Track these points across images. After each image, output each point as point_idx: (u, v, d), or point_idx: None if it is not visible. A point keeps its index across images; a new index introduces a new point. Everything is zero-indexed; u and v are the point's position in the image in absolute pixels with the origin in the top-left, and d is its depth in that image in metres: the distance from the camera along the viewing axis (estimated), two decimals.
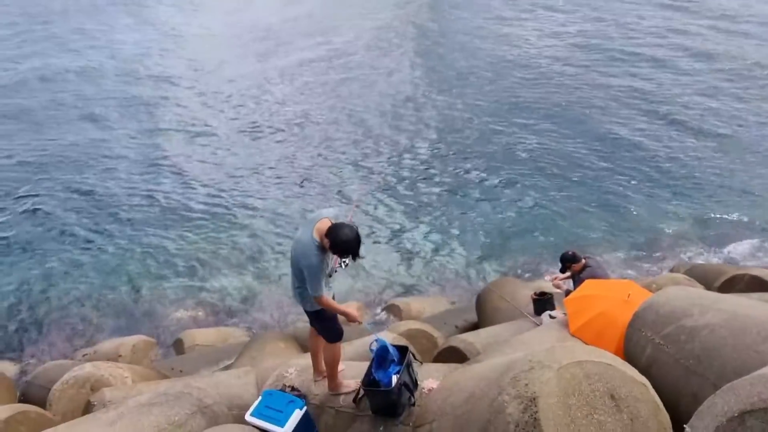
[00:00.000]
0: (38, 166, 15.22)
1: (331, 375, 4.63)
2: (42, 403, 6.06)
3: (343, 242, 3.95)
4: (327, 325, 4.42)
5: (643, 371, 3.83)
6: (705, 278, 8.44)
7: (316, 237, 4.03)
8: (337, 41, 24.83)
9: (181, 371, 7.48)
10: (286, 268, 10.72)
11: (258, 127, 17.32)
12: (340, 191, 13.68)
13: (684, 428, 2.78)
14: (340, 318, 4.41)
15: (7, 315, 10.24)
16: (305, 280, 4.09)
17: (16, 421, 4.99)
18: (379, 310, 9.97)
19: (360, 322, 4.44)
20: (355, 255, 4.07)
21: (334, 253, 4.06)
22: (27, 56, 24.31)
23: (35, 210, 13.20)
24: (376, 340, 4.33)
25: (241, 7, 30.82)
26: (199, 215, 12.93)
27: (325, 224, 4.06)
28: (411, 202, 13.28)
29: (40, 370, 7.72)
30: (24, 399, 6.89)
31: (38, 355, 9.38)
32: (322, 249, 4.04)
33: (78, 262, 11.54)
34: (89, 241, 12.13)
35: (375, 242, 11.88)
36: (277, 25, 27.53)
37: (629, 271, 10.88)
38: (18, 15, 30.65)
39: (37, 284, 10.98)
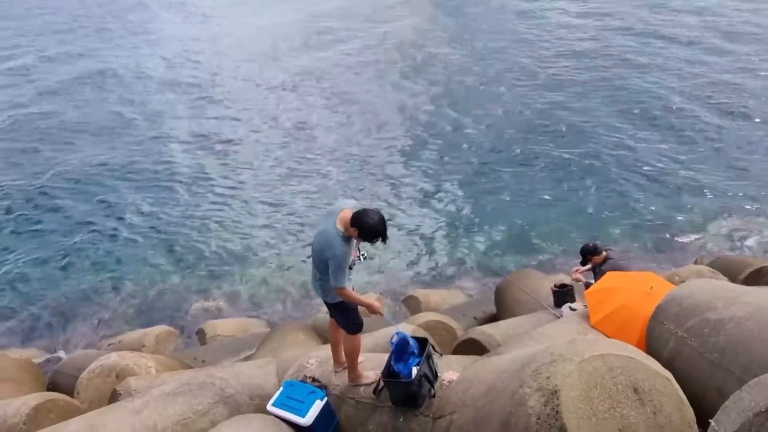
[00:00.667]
0: (62, 152, 15.49)
1: (352, 366, 4.66)
2: (70, 391, 6.21)
3: (370, 227, 3.96)
4: (348, 317, 4.44)
5: (666, 364, 3.78)
6: (729, 270, 8.29)
7: (340, 227, 4.04)
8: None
9: (203, 361, 7.60)
10: (307, 260, 10.93)
11: (287, 121, 17.40)
12: (358, 179, 13.71)
13: (709, 423, 2.75)
14: (361, 309, 4.43)
15: (36, 304, 10.50)
16: (327, 271, 4.10)
17: (45, 408, 5.12)
18: (397, 302, 10.01)
19: (381, 314, 4.44)
20: (384, 238, 4.07)
21: (363, 239, 4.05)
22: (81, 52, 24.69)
23: (62, 200, 13.46)
24: (396, 333, 4.34)
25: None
26: (223, 207, 13.08)
27: (347, 214, 4.07)
28: (429, 192, 13.26)
29: (67, 359, 7.91)
30: (52, 387, 7.07)
31: (66, 343, 9.62)
32: (346, 239, 4.05)
33: (103, 252, 11.79)
34: (115, 231, 12.36)
35: (392, 233, 11.88)
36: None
37: (651, 264, 10.74)
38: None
39: (63, 274, 11.24)
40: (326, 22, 26.91)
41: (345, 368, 4.78)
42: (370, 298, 5.68)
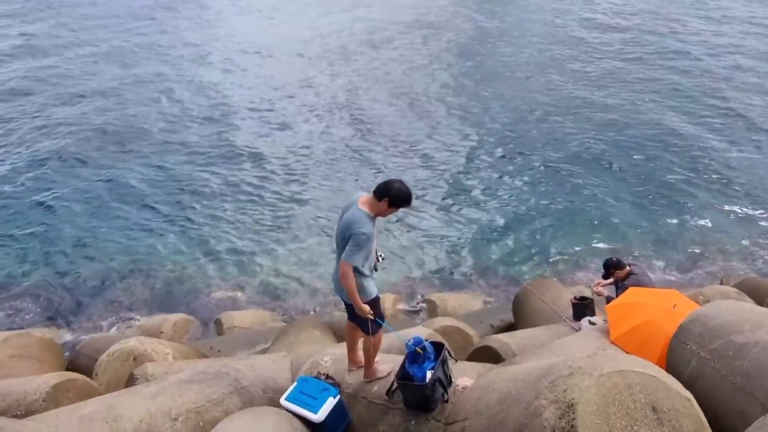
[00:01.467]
0: (91, 147, 15.78)
1: (368, 363, 4.68)
2: (88, 372, 6.32)
3: (398, 190, 4.12)
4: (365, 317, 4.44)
5: (686, 385, 3.70)
6: (757, 292, 8.10)
7: (364, 208, 4.15)
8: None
9: (219, 351, 7.69)
10: (326, 256, 10.99)
11: (310, 114, 17.53)
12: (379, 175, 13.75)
13: None
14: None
15: (61, 284, 10.72)
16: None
17: (64, 387, 5.22)
18: (415, 304, 9.99)
19: (371, 318, 4.31)
20: (410, 201, 4.23)
21: (394, 205, 4.16)
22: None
23: (86, 187, 13.72)
24: (413, 337, 4.34)
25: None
26: (246, 199, 13.19)
27: (366, 198, 4.22)
28: (450, 195, 13.21)
29: (88, 340, 8.06)
30: (71, 367, 7.21)
31: (87, 324, 9.80)
32: (371, 219, 4.17)
33: (127, 238, 11.97)
34: (137, 219, 12.55)
35: (412, 236, 11.88)
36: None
37: (674, 281, 10.53)
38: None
39: (88, 257, 11.42)
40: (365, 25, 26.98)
41: (359, 367, 4.79)
42: (383, 300, 5.63)
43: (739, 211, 12.34)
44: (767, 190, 12.85)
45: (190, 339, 8.96)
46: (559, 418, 3.00)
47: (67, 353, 8.07)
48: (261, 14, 29.46)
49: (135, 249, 11.65)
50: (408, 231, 11.95)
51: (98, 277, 10.88)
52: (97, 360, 6.43)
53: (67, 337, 9.31)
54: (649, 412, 3.01)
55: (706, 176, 13.49)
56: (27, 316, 9.86)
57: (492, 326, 8.29)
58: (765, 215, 12.20)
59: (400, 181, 4.21)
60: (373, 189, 4.21)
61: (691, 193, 12.90)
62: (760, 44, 21.31)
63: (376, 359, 4.73)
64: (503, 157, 14.80)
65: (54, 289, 10.55)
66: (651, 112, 16.70)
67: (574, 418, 2.94)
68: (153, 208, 12.95)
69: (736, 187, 13.02)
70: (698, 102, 16.86)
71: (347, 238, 4.09)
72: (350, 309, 4.45)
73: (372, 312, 4.31)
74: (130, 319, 9.85)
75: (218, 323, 9.14)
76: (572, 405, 2.99)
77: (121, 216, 12.63)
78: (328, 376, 4.84)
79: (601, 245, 11.46)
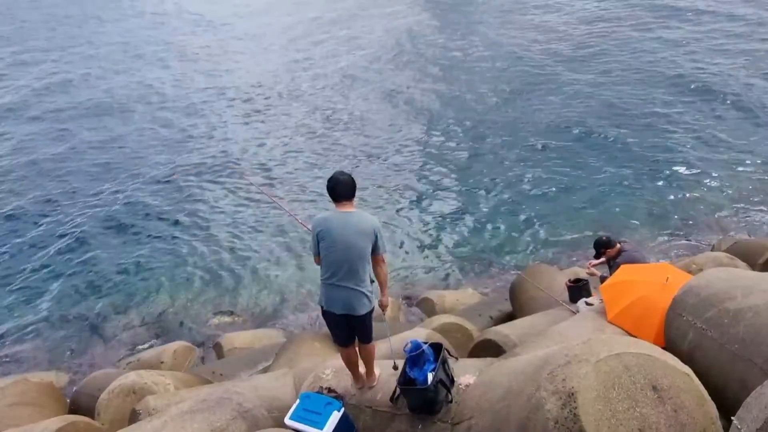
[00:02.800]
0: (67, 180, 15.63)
1: (371, 369, 4.69)
2: (91, 412, 6.25)
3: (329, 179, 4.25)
4: (371, 324, 4.45)
5: (686, 358, 3.72)
6: (748, 255, 8.13)
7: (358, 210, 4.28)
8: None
9: (221, 375, 7.62)
10: (318, 271, 10.84)
11: (306, 133, 17.50)
12: (371, 178, 13.73)
13: (731, 420, 2.68)
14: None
15: (57, 325, 10.59)
16: (367, 257, 4.18)
17: None
18: (412, 303, 9.96)
19: (384, 309, 4.50)
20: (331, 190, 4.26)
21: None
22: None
23: (75, 219, 13.58)
24: (410, 341, 4.32)
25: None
26: (235, 220, 13.10)
27: (348, 204, 4.28)
28: (434, 189, 13.20)
29: (88, 379, 7.96)
30: (74, 408, 7.12)
31: (86, 364, 9.69)
32: None
33: (118, 270, 11.85)
34: (127, 250, 12.44)
35: (401, 234, 11.85)
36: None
37: (668, 251, 10.59)
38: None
39: (82, 294, 11.31)
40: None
41: (368, 385, 4.76)
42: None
43: (723, 173, 12.44)
44: (750, 154, 12.97)
45: (191, 366, 8.89)
46: (561, 408, 2.99)
47: (68, 395, 7.97)
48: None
49: (128, 280, 11.54)
50: (394, 231, 11.92)
51: (93, 313, 10.78)
52: (98, 398, 6.36)
53: (67, 378, 9.20)
54: (649, 392, 3.01)
55: (685, 148, 13.60)
56: (22, 362, 9.73)
57: (491, 318, 8.28)
58: (748, 175, 12.30)
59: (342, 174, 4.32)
60: (343, 194, 4.25)
61: (674, 165, 13.01)
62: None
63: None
64: (482, 146, 14.83)
65: (48, 329, 10.45)
66: (631, 91, 16.84)
67: (576, 407, 2.93)
68: (142, 234, 12.84)
69: (720, 156, 13.13)
70: (678, 81, 17.04)
71: (368, 235, 4.16)
72: (359, 321, 4.35)
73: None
74: (129, 352, 9.75)
75: (218, 347, 9.07)
76: (572, 394, 2.98)
77: (111, 248, 12.50)
78: (330, 390, 4.80)
79: (591, 225, 11.50)
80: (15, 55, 26.59)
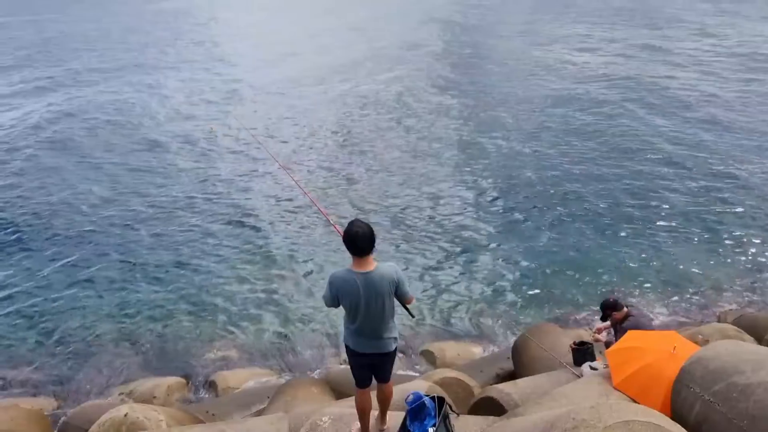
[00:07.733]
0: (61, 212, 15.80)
1: (385, 410, 4.64)
2: None
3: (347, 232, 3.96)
4: (392, 363, 4.44)
5: (693, 429, 3.66)
6: (755, 328, 8.07)
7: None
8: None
9: (213, 415, 7.47)
10: (323, 310, 10.85)
11: (309, 161, 17.86)
12: (380, 222, 13.76)
13: None
14: None
15: (46, 352, 10.45)
16: (392, 305, 4.11)
17: None
18: (412, 355, 9.81)
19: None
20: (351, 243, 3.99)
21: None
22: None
23: (70, 249, 13.61)
24: (412, 393, 4.26)
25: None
26: (234, 256, 13.11)
27: (368, 259, 4.02)
28: (444, 242, 13.22)
29: (77, 410, 7.82)
30: None
31: (76, 392, 9.49)
32: None
33: (113, 300, 11.78)
34: (123, 279, 12.40)
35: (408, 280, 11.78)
36: None
37: (671, 317, 10.48)
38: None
39: (74, 322, 11.20)
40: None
41: (380, 421, 4.69)
42: None
43: (730, 246, 12.46)
44: (757, 225, 13.05)
45: (184, 402, 8.71)
46: None
47: (56, 425, 7.80)
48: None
49: (122, 311, 11.43)
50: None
51: (86, 342, 10.63)
52: (87, 431, 6.22)
53: (56, 406, 9.00)
54: None
55: (696, 216, 13.68)
56: (13, 387, 9.55)
57: (498, 375, 8.16)
58: (755, 249, 12.30)
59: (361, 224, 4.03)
60: (363, 248, 3.97)
61: (683, 233, 13.04)
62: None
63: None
64: (495, 204, 14.95)
65: (40, 356, 10.29)
66: (646, 153, 17.17)
67: None
68: (138, 266, 12.82)
69: (730, 226, 13.21)
70: (699, 144, 17.46)
71: (394, 283, 4.04)
72: (386, 358, 4.31)
73: None
74: (121, 384, 9.57)
75: (212, 385, 8.92)
76: None
77: (105, 278, 12.45)
78: None
79: (597, 287, 11.44)
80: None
